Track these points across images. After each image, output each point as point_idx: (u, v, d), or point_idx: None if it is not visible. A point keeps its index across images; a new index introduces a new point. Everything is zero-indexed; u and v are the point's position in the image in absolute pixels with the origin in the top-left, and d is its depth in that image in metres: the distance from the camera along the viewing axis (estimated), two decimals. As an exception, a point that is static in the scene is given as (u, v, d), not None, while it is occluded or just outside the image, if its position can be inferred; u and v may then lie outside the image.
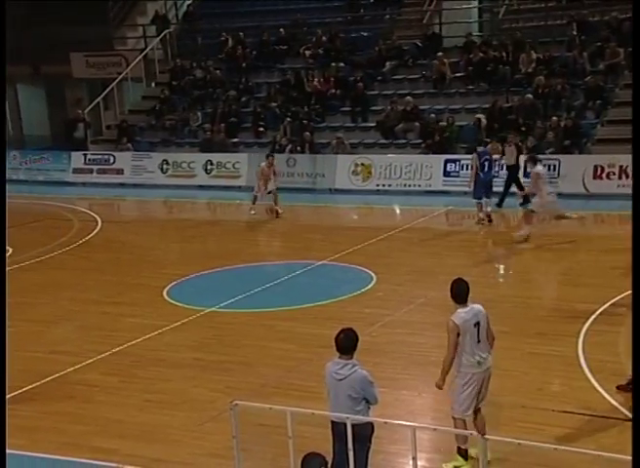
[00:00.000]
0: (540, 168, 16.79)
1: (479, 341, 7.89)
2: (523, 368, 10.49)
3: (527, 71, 23.67)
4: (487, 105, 23.27)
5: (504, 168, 19.99)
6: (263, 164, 20.44)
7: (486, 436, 5.37)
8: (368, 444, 7.05)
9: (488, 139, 21.66)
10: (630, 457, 4.81)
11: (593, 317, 12.00)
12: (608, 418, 8.97)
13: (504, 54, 24.43)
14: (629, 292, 12.74)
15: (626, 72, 22.82)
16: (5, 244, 15.61)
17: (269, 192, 20.28)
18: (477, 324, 7.89)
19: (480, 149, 18.66)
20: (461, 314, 7.87)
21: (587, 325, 11.72)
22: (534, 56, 23.85)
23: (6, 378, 8.98)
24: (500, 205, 19.50)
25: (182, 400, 10.04)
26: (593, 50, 23.39)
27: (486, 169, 18.20)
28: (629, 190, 20.35)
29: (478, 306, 8.03)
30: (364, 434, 6.89)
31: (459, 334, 7.80)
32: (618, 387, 9.33)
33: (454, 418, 7.97)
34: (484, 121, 22.70)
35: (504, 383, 9.98)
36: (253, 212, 20.49)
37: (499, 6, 28.08)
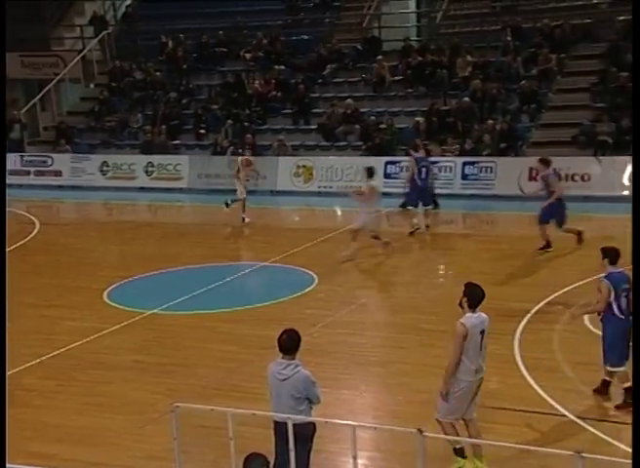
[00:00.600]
0: (374, 182, 15.95)
1: (481, 349, 7.80)
2: (462, 366, 10.59)
3: (464, 75, 23.98)
4: (425, 108, 23.50)
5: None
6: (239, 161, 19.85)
7: (425, 433, 5.41)
8: (310, 443, 7.05)
9: (427, 142, 21.91)
10: (564, 451, 4.90)
11: (529, 316, 12.18)
12: (542, 414, 9.11)
13: (442, 58, 24.71)
14: (563, 290, 13.06)
15: (559, 77, 23.30)
16: (5, 244, 15.19)
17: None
18: (482, 331, 7.79)
19: (417, 155, 18.58)
20: (472, 319, 7.75)
21: (523, 323, 11.88)
22: (470, 60, 24.18)
23: (6, 378, 8.76)
24: (435, 207, 19.58)
25: (123, 402, 9.91)
26: (527, 55, 23.78)
27: (423, 175, 18.14)
28: (565, 191, 20.79)
29: (485, 315, 7.90)
30: (306, 433, 6.89)
31: (464, 338, 7.70)
32: (616, 407, 9.22)
33: (439, 422, 7.85)
34: (423, 123, 22.94)
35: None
36: (247, 219, 19.33)
37: (435, 11, 28.42)
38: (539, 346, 11.09)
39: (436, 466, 6.75)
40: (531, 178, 21.02)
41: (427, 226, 17.86)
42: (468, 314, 7.80)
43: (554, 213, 15.43)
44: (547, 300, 12.66)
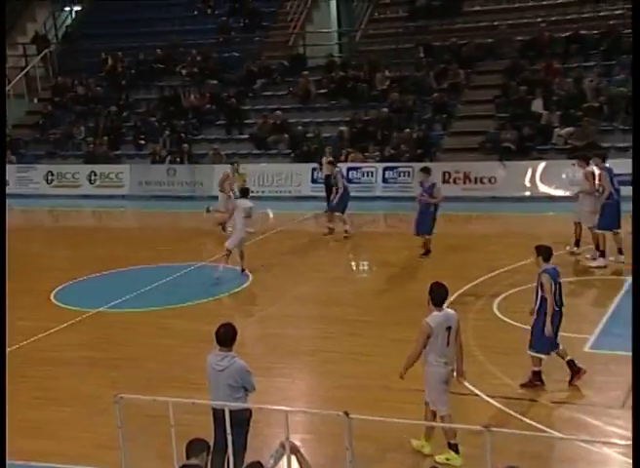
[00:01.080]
0: (245, 202, 14.42)
1: (448, 344, 7.67)
2: (386, 353, 10.67)
3: (382, 88, 24.21)
4: (348, 119, 23.66)
5: (324, 178, 19.45)
6: (229, 170, 18.95)
7: (351, 416, 5.45)
8: (246, 427, 7.05)
9: (350, 150, 22.10)
10: (474, 427, 5.00)
11: (444, 306, 12.33)
12: (456, 394, 9.23)
13: (362, 73, 24.90)
14: (473, 283, 13.29)
15: (466, 90, 23.72)
16: (5, 244, 14.64)
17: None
18: (449, 328, 7.66)
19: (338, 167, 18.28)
20: (437, 317, 7.63)
21: (439, 313, 12.04)
22: (387, 75, 24.42)
23: (6, 378, 8.49)
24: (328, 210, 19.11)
25: (71, 396, 9.73)
26: (438, 70, 24.13)
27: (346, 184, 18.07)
28: (474, 193, 21.20)
29: (452, 312, 7.81)
30: (242, 419, 6.89)
31: (429, 336, 7.58)
32: (521, 385, 9.31)
33: (442, 417, 7.73)
34: (346, 133, 23.11)
35: (371, 368, 10.18)
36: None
37: (355, 31, 28.65)
38: (453, 333, 11.25)
39: (362, 445, 6.81)
40: (444, 181, 21.37)
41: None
42: (435, 312, 7.65)
43: (429, 220, 14.97)
44: (460, 292, 12.84)
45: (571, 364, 9.33)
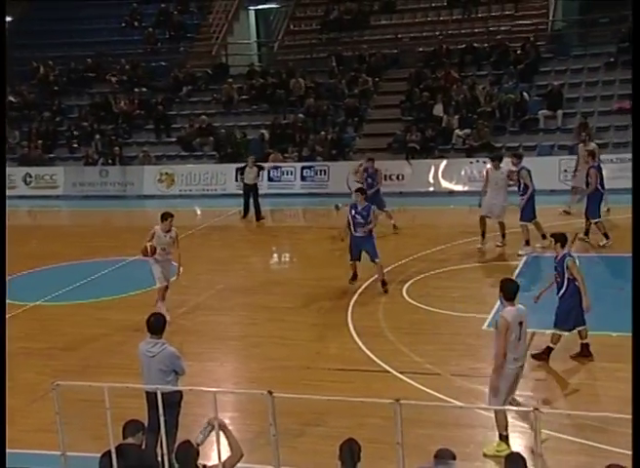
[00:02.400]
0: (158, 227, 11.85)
1: (520, 339, 7.19)
2: (306, 336, 10.76)
3: (299, 94, 24.24)
4: (268, 122, 23.59)
5: (244, 186, 18.71)
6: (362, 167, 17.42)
7: (274, 394, 5.46)
8: (177, 409, 7.00)
9: (271, 151, 22.05)
10: (385, 400, 5.07)
11: (358, 292, 12.48)
12: (370, 372, 9.39)
13: (280, 80, 24.88)
14: (385, 270, 13.44)
15: (375, 96, 23.97)
16: (5, 245, 13.86)
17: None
18: (521, 323, 7.18)
19: None
20: (511, 311, 7.14)
21: (354, 298, 12.16)
22: (303, 82, 24.47)
23: (6, 377, 8.07)
24: (259, 219, 18.50)
25: (11, 385, 9.38)
26: (349, 78, 24.28)
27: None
28: (383, 189, 21.31)
29: (522, 307, 7.29)
30: (173, 401, 6.83)
31: (507, 331, 7.05)
32: (571, 356, 9.22)
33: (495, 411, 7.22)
34: (267, 135, 23.05)
35: (292, 350, 10.23)
36: None
37: (273, 41, 28.60)
38: (366, 316, 11.39)
39: (285, 421, 6.83)
40: (356, 179, 21.56)
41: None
42: (509, 307, 7.17)
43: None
44: (373, 279, 12.99)
45: (583, 347, 9.21)
